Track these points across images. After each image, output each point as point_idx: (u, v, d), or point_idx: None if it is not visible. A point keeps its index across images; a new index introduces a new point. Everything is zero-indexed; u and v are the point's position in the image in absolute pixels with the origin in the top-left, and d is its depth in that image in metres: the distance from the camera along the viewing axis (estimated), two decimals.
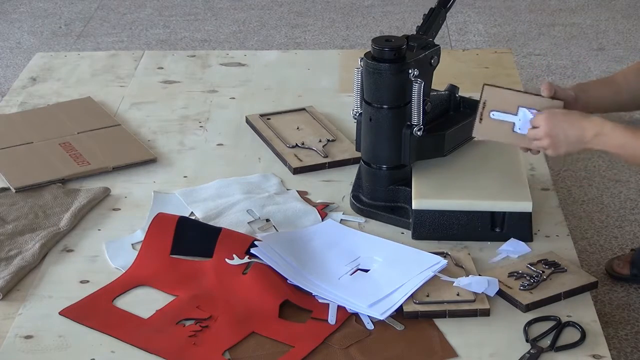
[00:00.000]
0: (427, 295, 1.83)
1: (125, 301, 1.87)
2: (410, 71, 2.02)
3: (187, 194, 2.21)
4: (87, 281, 1.93)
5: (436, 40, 2.15)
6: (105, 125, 2.51)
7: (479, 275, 1.88)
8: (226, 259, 1.92)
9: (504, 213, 2.01)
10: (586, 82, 2.14)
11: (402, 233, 2.07)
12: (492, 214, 2.02)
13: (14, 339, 1.78)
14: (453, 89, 2.25)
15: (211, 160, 2.38)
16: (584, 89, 2.02)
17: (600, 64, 4.04)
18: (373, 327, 1.78)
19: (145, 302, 1.86)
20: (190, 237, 1.99)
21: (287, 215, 2.12)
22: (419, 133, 2.06)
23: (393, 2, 4.73)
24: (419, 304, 1.81)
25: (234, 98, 2.70)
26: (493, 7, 4.65)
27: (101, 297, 1.88)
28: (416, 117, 2.06)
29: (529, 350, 1.71)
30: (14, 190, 2.22)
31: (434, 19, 2.18)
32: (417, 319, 1.79)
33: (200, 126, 2.54)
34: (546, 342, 1.74)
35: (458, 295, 1.83)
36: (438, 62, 2.11)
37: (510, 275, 1.88)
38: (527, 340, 1.74)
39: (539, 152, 1.99)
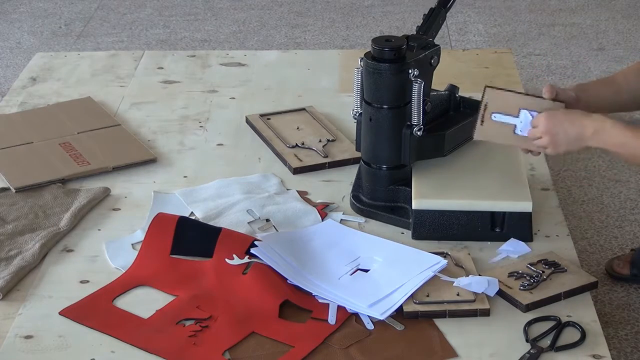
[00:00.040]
0: (427, 295, 1.83)
1: (125, 301, 1.87)
2: (410, 71, 2.02)
3: (187, 194, 2.21)
4: (87, 281, 1.93)
5: (436, 40, 2.15)
6: (105, 125, 2.51)
7: (479, 275, 1.88)
8: (226, 259, 1.92)
9: (504, 213, 2.01)
10: (586, 83, 2.14)
11: (402, 233, 2.07)
12: (492, 214, 2.02)
13: (14, 339, 1.78)
14: (453, 89, 2.25)
15: (211, 160, 2.38)
16: (585, 90, 2.03)
17: (600, 64, 4.04)
18: (373, 327, 1.78)
19: (145, 302, 1.86)
20: (190, 237, 1.99)
21: (287, 215, 2.12)
22: (419, 133, 2.06)
23: (393, 2, 4.73)
24: (419, 304, 1.81)
25: (234, 98, 2.70)
26: (493, 7, 4.65)
27: (101, 297, 1.88)
28: (416, 117, 2.06)
29: (529, 350, 1.71)
30: (14, 190, 2.22)
31: (434, 19, 2.18)
32: (417, 319, 1.79)
33: (200, 126, 2.54)
34: (546, 342, 1.74)
35: (458, 295, 1.83)
36: (438, 62, 2.11)
37: (510, 275, 1.88)
38: (527, 340, 1.74)
39: (540, 153, 2.00)
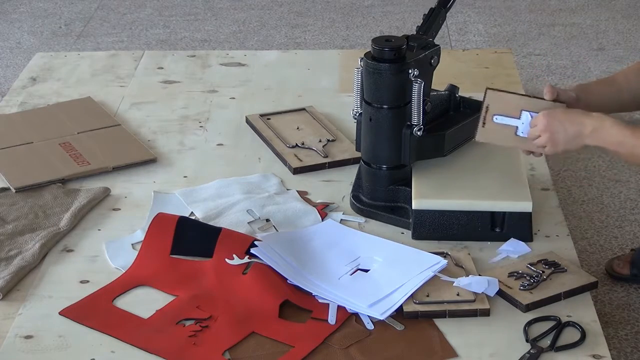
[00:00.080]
0: (427, 295, 1.83)
1: (125, 301, 1.87)
2: (410, 71, 2.02)
3: (187, 194, 2.21)
4: (87, 281, 1.93)
5: (436, 40, 2.15)
6: (105, 125, 2.51)
7: (479, 275, 1.88)
8: (226, 259, 1.92)
9: (504, 213, 2.01)
10: (587, 83, 2.14)
11: (402, 233, 2.07)
12: (492, 214, 2.02)
13: (14, 339, 1.78)
14: (453, 89, 2.25)
15: (211, 160, 2.38)
16: (585, 90, 2.02)
17: (600, 64, 4.04)
18: (373, 327, 1.78)
19: (145, 302, 1.86)
20: (190, 237, 1.99)
21: (287, 215, 2.12)
22: (419, 133, 2.06)
23: (393, 2, 4.73)
24: (419, 304, 1.81)
25: (234, 98, 2.70)
26: (493, 7, 4.65)
27: (101, 297, 1.88)
28: (416, 117, 2.06)
29: (529, 350, 1.71)
30: (14, 190, 2.22)
31: (434, 19, 2.18)
32: (417, 319, 1.79)
33: (200, 126, 2.54)
34: (546, 342, 1.74)
35: (458, 295, 1.83)
36: (438, 62, 2.11)
37: (510, 275, 1.88)
38: (527, 340, 1.74)
39: (541, 154, 1.99)
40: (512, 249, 1.98)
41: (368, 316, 1.80)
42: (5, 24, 4.56)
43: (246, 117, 2.54)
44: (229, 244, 1.96)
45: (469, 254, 1.96)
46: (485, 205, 2.02)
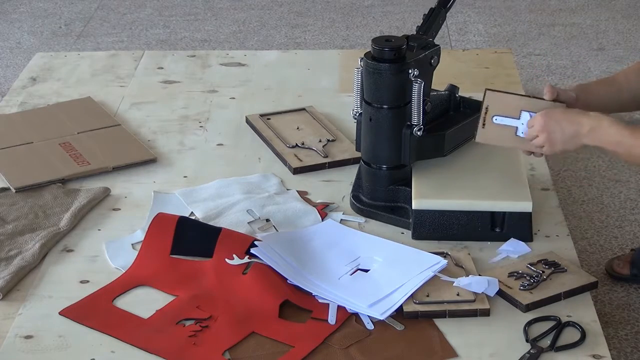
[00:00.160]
0: (427, 295, 1.83)
1: (125, 301, 1.87)
2: (410, 71, 2.02)
3: (187, 194, 2.21)
4: (87, 281, 1.93)
5: (436, 40, 2.15)
6: (105, 125, 2.51)
7: (479, 275, 1.88)
8: (226, 259, 1.92)
9: (504, 213, 2.01)
10: (587, 83, 2.14)
11: (402, 233, 2.07)
12: (492, 214, 2.01)
13: (14, 339, 1.78)
14: (453, 89, 2.25)
15: (211, 160, 2.38)
16: (585, 90, 2.02)
17: (600, 64, 4.03)
18: (373, 327, 1.78)
19: (145, 302, 1.86)
20: (190, 237, 1.99)
21: (287, 215, 2.12)
22: (419, 133, 2.06)
23: (393, 2, 4.73)
24: (419, 304, 1.81)
25: (234, 98, 2.70)
26: (493, 7, 4.65)
27: (101, 297, 1.88)
28: (416, 117, 2.06)
29: (529, 350, 1.71)
30: (14, 190, 2.22)
31: (434, 19, 2.18)
32: (417, 319, 1.79)
33: (200, 126, 2.54)
34: (546, 342, 1.73)
35: (458, 295, 1.83)
36: (438, 62, 2.11)
37: (510, 275, 1.88)
38: (527, 340, 1.74)
39: (542, 155, 1.99)
40: (512, 249, 1.98)
41: (368, 316, 1.80)
42: (5, 24, 4.56)
43: (246, 117, 2.54)
44: (229, 244, 1.96)
45: (469, 254, 1.96)
46: (485, 205, 2.02)
